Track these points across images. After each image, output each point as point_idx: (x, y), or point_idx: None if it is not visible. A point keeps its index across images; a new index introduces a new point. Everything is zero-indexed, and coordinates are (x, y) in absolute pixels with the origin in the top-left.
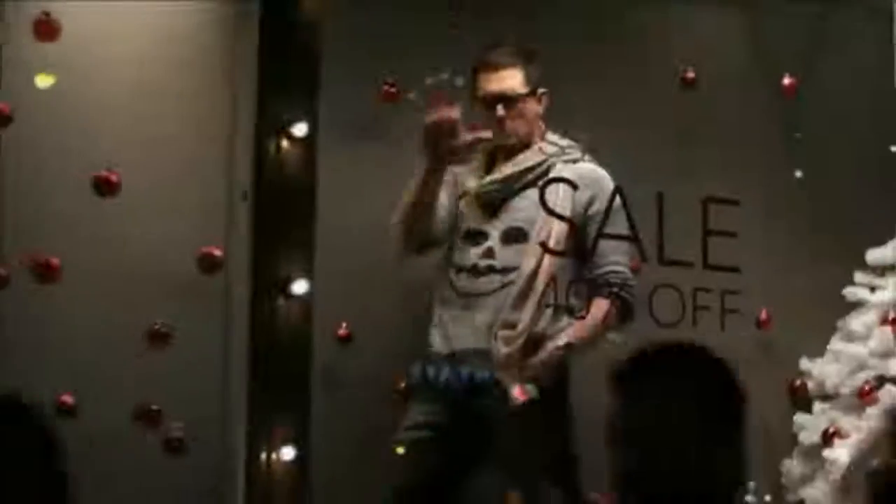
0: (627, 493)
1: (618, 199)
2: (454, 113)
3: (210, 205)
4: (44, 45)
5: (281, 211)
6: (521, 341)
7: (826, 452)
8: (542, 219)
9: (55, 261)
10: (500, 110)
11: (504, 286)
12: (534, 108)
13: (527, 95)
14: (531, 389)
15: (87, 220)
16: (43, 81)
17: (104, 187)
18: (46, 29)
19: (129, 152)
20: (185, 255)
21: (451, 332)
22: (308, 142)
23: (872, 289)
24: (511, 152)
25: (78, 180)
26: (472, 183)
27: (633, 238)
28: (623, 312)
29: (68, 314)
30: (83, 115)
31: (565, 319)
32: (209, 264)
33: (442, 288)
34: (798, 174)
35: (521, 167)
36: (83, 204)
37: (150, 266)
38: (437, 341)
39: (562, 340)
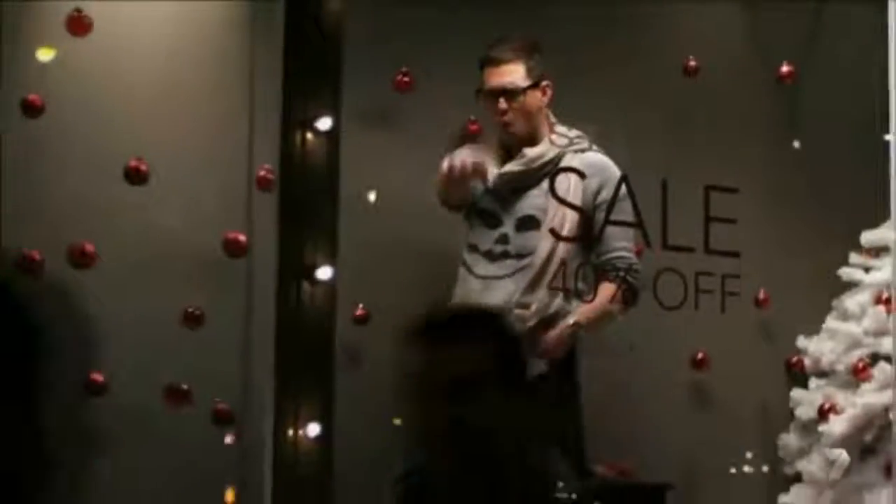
0: (425, 447)
1: (623, 188)
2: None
3: (232, 193)
4: (75, 40)
5: (306, 201)
6: (535, 321)
7: (822, 427)
8: (554, 207)
9: (90, 247)
10: (502, 103)
11: (518, 270)
12: (536, 100)
13: (528, 88)
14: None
15: (115, 207)
16: (44, 55)
17: (134, 176)
18: (78, 24)
19: (155, 143)
20: (211, 241)
21: None
22: (332, 135)
23: (867, 269)
24: (524, 142)
25: (108, 170)
26: (490, 169)
27: (638, 225)
28: (629, 295)
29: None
30: (113, 107)
31: (574, 302)
32: (234, 249)
33: (460, 269)
34: (796, 144)
35: (537, 163)
36: (112, 192)
37: (177, 251)
38: None
39: (571, 319)
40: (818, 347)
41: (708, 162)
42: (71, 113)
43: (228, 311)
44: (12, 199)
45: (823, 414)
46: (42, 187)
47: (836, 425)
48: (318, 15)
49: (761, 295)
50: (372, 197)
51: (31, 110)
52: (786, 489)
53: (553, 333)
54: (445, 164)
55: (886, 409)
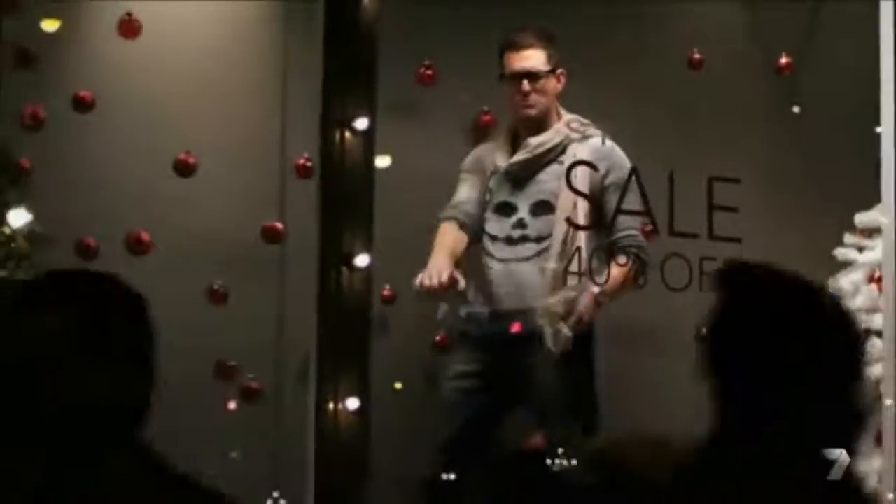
0: None
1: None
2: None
3: (269, 184)
4: (125, 41)
5: (344, 195)
6: (562, 297)
7: None
8: (566, 195)
9: (146, 235)
10: (526, 85)
11: (538, 253)
12: (554, 85)
13: (548, 73)
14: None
15: (161, 197)
16: (49, 26)
17: (183, 168)
18: (129, 28)
19: (197, 139)
20: (249, 230)
21: (494, 293)
22: (368, 132)
23: (860, 249)
24: (533, 130)
25: (155, 163)
26: (500, 161)
27: (646, 213)
28: (640, 271)
29: (151, 279)
30: (158, 103)
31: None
32: (272, 235)
33: (479, 255)
34: (796, 110)
35: (544, 149)
36: (157, 183)
37: (219, 238)
38: (479, 302)
39: (596, 289)
40: None
41: (711, 153)
42: (120, 109)
43: (267, 292)
44: (67, 189)
45: None
46: (95, 179)
47: None
48: (356, 17)
49: None
50: (381, 163)
51: (81, 106)
52: None
53: (584, 300)
54: (418, 281)
55: (878, 382)
